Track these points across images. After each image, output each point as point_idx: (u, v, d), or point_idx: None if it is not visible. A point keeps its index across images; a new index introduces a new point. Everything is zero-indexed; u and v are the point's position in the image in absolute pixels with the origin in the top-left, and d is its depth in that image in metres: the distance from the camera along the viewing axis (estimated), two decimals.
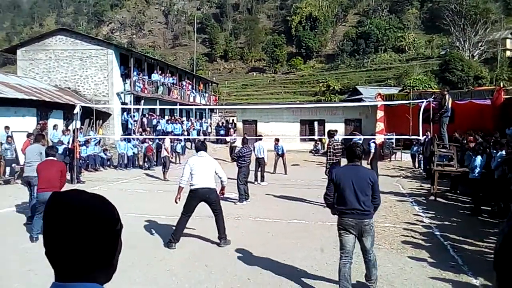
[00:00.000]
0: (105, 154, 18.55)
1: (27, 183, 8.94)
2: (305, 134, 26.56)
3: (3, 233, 7.84)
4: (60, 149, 15.61)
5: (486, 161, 10.09)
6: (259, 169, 14.25)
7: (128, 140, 19.06)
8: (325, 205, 10.16)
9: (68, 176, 13.06)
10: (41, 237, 6.88)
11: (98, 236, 1.10)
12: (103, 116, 22.96)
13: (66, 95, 21.96)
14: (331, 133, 10.57)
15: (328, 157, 10.01)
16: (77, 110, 15.09)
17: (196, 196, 6.90)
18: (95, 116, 20.64)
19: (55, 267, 1.11)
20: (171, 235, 6.89)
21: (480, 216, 9.34)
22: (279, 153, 17.39)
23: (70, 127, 18.17)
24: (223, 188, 7.27)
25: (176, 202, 7.11)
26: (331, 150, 10.00)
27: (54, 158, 7.47)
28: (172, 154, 20.83)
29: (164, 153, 16.02)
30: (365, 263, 5.02)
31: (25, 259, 6.22)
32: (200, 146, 7.32)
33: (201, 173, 6.88)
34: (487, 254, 6.51)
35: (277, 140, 18.02)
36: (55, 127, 17.71)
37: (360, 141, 18.62)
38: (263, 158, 14.09)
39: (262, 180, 14.21)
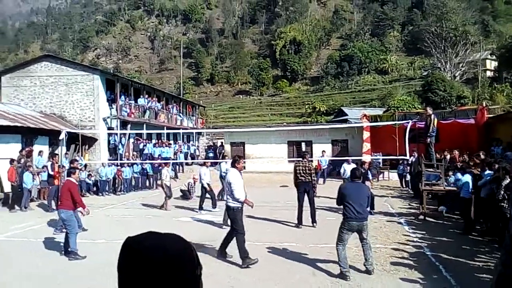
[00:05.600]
0: (90, 179, 18.24)
1: None
2: (293, 155, 26.60)
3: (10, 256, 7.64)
4: (44, 175, 15.36)
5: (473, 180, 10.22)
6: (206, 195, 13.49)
7: (109, 165, 18.86)
8: (314, 226, 10.31)
9: (51, 203, 12.88)
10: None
11: (184, 284, 1.01)
12: (89, 141, 22.74)
13: (52, 121, 21.74)
14: (303, 155, 11.41)
15: (294, 176, 10.75)
16: (62, 136, 14.90)
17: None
18: (81, 142, 20.43)
19: None
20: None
21: (470, 235, 9.37)
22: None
23: (57, 152, 17.90)
24: None
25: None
26: (297, 170, 10.64)
27: (70, 178, 8.11)
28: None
29: (159, 182, 15.19)
30: (362, 247, 6.63)
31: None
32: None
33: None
34: (479, 274, 6.51)
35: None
36: (40, 153, 17.45)
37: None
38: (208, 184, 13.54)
39: (214, 206, 13.36)
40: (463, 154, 14.72)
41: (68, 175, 8.26)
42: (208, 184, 13.34)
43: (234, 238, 7.32)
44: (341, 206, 6.67)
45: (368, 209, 6.94)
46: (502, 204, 8.04)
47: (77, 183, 8.42)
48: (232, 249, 7.50)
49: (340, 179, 16.47)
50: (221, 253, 7.56)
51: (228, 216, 7.74)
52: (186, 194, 16.26)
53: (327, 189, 16.49)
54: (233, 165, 7.59)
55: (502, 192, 8.00)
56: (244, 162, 7.76)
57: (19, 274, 6.74)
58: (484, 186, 9.33)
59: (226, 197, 7.59)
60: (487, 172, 9.46)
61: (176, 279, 0.99)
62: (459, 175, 10.66)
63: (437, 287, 5.97)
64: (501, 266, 1.05)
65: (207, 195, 13.52)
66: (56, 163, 14.25)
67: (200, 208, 13.17)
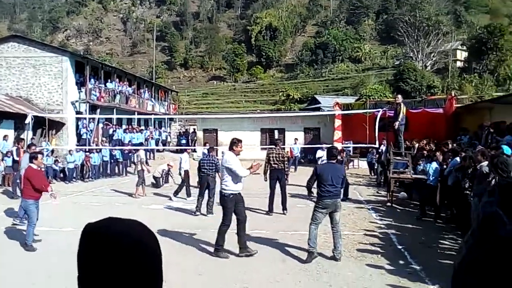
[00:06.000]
0: (56, 166, 17.77)
1: None
2: (266, 142, 26.62)
3: None
4: (9, 161, 14.91)
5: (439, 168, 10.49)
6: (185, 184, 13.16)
7: (77, 151, 18.38)
8: (285, 213, 10.37)
9: (16, 190, 12.49)
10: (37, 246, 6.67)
11: (149, 271, 0.98)
12: (57, 125, 22.14)
13: (18, 104, 21.05)
14: (276, 142, 11.66)
15: (266, 164, 10.82)
16: (28, 119, 14.51)
17: None
18: (48, 126, 19.86)
19: None
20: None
21: (436, 222, 9.62)
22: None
23: (23, 136, 17.36)
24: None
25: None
26: (271, 157, 10.77)
27: (31, 164, 7.59)
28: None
29: (138, 166, 14.24)
30: (333, 235, 6.76)
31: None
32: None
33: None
34: (443, 259, 6.69)
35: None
36: (5, 137, 16.89)
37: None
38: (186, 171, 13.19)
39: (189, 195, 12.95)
40: (429, 143, 15.04)
41: (30, 160, 7.76)
42: (185, 171, 13.12)
43: (238, 226, 6.95)
44: (312, 191, 7.06)
45: (341, 193, 7.33)
46: (467, 192, 8.25)
47: (39, 168, 7.88)
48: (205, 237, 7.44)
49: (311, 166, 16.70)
50: (243, 250, 6.95)
51: (220, 203, 7.23)
52: (158, 182, 16.03)
53: (299, 177, 16.58)
54: (230, 148, 7.20)
55: (468, 181, 8.20)
56: (241, 147, 7.40)
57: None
58: (450, 174, 9.57)
59: (221, 183, 7.11)
60: (453, 160, 9.69)
61: (140, 265, 0.96)
62: (427, 164, 10.85)
63: (402, 273, 6.10)
64: (466, 250, 1.05)
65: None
66: (22, 148, 13.81)
67: (175, 194, 12.94)
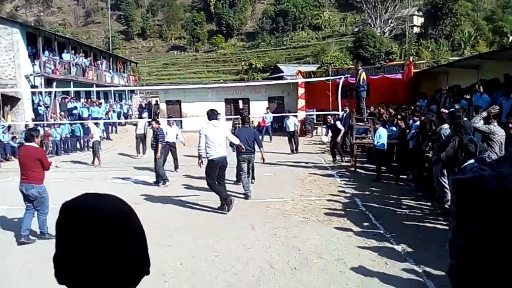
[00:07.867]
0: (14, 142, 17.08)
1: None
2: (231, 113, 26.49)
3: None
4: None
5: (399, 132, 10.87)
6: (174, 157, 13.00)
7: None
8: (252, 182, 10.44)
9: None
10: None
11: (132, 243, 0.98)
12: (12, 101, 21.13)
13: None
14: (241, 113, 12.71)
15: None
16: None
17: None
18: (1, 101, 18.94)
19: None
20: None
21: (397, 184, 10.00)
22: None
23: None
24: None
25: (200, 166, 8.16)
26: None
27: (32, 144, 6.53)
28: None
29: (93, 138, 14.81)
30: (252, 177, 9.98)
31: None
32: (212, 115, 8.07)
33: (215, 142, 7.78)
34: (405, 220, 7.00)
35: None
36: None
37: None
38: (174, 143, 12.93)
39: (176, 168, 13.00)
40: (388, 108, 15.42)
41: (29, 140, 6.62)
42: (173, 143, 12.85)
43: None
44: None
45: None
46: (427, 155, 8.60)
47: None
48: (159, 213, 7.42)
49: (284, 134, 18.05)
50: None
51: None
52: (141, 138, 16.17)
53: (274, 146, 17.14)
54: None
55: (430, 144, 8.51)
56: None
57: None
58: (412, 138, 9.92)
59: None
60: (415, 124, 10.02)
61: (130, 237, 0.97)
62: (380, 129, 11.07)
63: (368, 234, 6.32)
64: (451, 234, 1.08)
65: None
66: None
67: (176, 168, 12.86)
